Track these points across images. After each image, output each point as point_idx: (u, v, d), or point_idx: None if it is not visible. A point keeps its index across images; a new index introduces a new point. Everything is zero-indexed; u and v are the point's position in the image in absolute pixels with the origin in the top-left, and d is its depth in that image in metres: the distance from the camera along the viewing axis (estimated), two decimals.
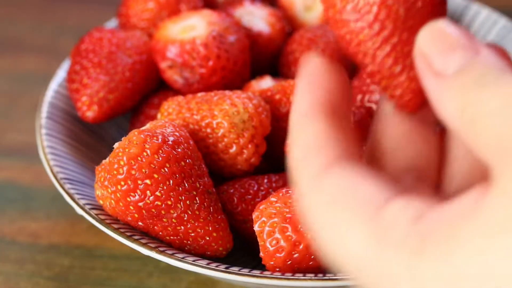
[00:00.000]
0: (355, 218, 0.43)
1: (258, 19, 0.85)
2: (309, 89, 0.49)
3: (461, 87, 0.43)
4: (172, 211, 0.66)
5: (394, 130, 0.49)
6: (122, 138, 0.67)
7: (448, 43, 0.44)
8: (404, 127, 0.49)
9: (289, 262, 0.64)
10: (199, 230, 0.68)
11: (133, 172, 0.65)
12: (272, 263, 0.64)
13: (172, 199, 0.66)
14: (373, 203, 0.43)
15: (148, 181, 0.65)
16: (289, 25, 0.87)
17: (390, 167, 0.49)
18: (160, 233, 0.68)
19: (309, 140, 0.46)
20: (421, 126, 0.49)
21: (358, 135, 0.48)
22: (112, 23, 0.91)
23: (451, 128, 0.44)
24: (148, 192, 0.65)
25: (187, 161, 0.67)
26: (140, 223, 0.67)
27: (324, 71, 0.49)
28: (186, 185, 0.67)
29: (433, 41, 0.45)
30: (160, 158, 0.66)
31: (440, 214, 0.41)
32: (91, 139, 0.84)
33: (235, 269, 0.65)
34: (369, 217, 0.42)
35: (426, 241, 0.40)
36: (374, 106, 0.76)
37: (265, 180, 0.72)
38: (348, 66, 0.83)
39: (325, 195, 0.44)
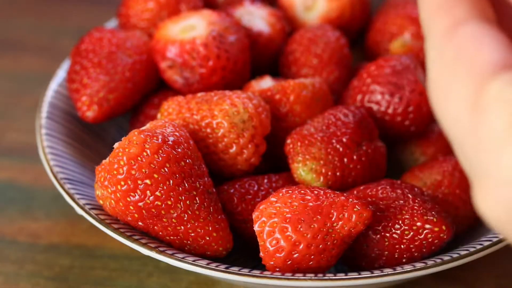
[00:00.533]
0: (465, 86, 0.44)
1: (258, 19, 0.85)
2: None
3: None
4: (172, 211, 0.66)
5: None
6: (122, 138, 0.67)
7: None
8: None
9: (289, 262, 0.64)
10: (199, 230, 0.68)
11: (133, 172, 0.65)
12: (272, 263, 0.64)
13: (172, 199, 0.66)
14: (485, 72, 0.44)
15: (148, 181, 0.65)
16: (289, 25, 0.87)
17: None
18: (160, 233, 0.68)
19: None
20: None
21: None
22: (112, 23, 0.91)
23: None
24: (148, 192, 0.65)
25: (187, 161, 0.67)
26: (140, 223, 0.67)
27: None
28: (186, 185, 0.67)
29: None
30: (160, 158, 0.66)
31: None
32: (91, 139, 0.84)
33: (235, 269, 0.65)
34: (476, 88, 0.44)
35: None
36: (374, 106, 0.76)
37: (265, 180, 0.72)
38: (349, 64, 0.83)
39: (449, 53, 0.46)
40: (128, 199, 0.66)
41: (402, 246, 0.67)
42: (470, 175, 0.45)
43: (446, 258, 0.66)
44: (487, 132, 0.43)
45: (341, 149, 0.71)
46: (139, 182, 0.65)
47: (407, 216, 0.66)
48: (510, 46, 0.46)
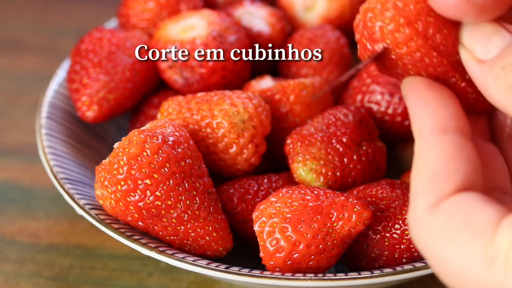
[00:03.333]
0: (475, 242, 0.45)
1: (258, 19, 0.85)
2: (431, 106, 0.50)
3: (503, 68, 0.46)
4: (172, 211, 0.66)
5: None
6: (122, 138, 0.67)
7: (486, 33, 0.48)
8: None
9: (289, 262, 0.64)
10: (199, 230, 0.68)
11: (133, 172, 0.65)
12: (272, 263, 0.64)
13: (172, 199, 0.66)
14: (487, 227, 0.45)
15: (148, 181, 0.65)
16: (289, 25, 0.87)
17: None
18: (160, 233, 0.68)
19: (439, 163, 0.48)
20: (485, 146, 0.52)
21: (478, 158, 0.50)
22: (112, 23, 0.91)
23: (500, 108, 0.47)
24: (148, 192, 0.65)
25: (187, 161, 0.67)
26: (140, 223, 0.67)
27: (437, 89, 0.51)
28: (186, 185, 0.67)
29: (472, 34, 0.48)
30: (160, 158, 0.66)
31: None
32: (91, 139, 0.84)
33: (235, 269, 0.65)
34: (487, 242, 0.45)
35: None
36: (374, 106, 0.76)
37: (265, 180, 0.72)
38: (349, 64, 0.83)
39: (441, 222, 0.47)
40: (128, 199, 0.66)
41: (402, 246, 0.67)
42: None
43: None
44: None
45: (341, 149, 0.71)
46: (139, 182, 0.65)
47: (407, 216, 0.66)
48: (491, 200, 0.47)
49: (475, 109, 0.54)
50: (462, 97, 0.53)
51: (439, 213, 0.47)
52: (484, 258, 0.45)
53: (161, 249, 0.67)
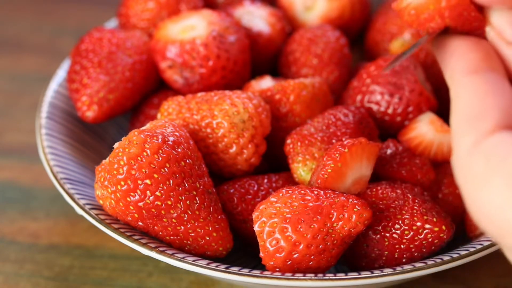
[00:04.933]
0: (508, 188, 0.45)
1: (258, 19, 0.85)
2: (459, 51, 0.51)
3: None
4: (172, 211, 0.66)
5: None
6: (122, 138, 0.67)
7: None
8: None
9: (289, 262, 0.64)
10: (199, 230, 0.68)
11: (133, 172, 0.65)
12: (272, 263, 0.64)
13: (172, 199, 0.66)
14: None
15: (148, 181, 0.65)
16: (289, 25, 0.87)
17: None
18: (160, 233, 0.68)
19: (475, 102, 0.48)
20: None
21: None
22: (112, 23, 0.91)
23: None
24: (148, 192, 0.65)
25: (187, 161, 0.67)
26: (140, 223, 0.67)
27: (464, 37, 0.52)
28: (186, 185, 0.67)
29: (503, 17, 0.50)
30: (160, 158, 0.66)
31: None
32: (91, 139, 0.84)
33: (235, 269, 0.65)
34: None
35: None
36: (374, 106, 0.76)
37: (265, 180, 0.72)
38: (349, 64, 0.83)
39: (479, 165, 0.47)
40: (128, 199, 0.66)
41: (402, 246, 0.67)
42: None
43: (446, 258, 0.66)
44: None
45: None
46: (139, 182, 0.65)
47: (407, 216, 0.66)
48: None
49: None
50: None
51: (478, 154, 0.47)
52: None
53: (161, 249, 0.67)
